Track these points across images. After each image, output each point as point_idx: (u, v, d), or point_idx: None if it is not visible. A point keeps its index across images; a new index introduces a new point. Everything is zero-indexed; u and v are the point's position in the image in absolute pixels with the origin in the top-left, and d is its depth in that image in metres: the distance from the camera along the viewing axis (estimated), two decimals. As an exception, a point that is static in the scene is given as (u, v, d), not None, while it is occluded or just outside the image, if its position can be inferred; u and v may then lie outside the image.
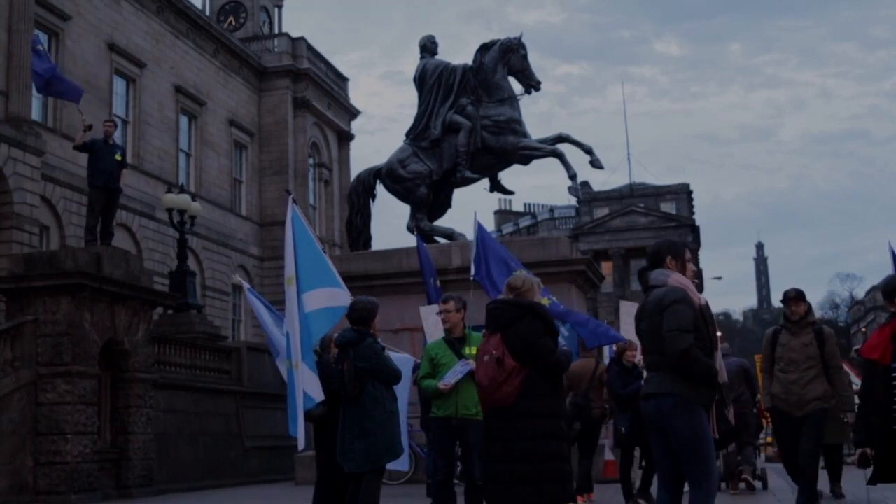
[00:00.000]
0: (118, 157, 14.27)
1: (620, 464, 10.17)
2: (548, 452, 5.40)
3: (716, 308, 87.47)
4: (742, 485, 11.97)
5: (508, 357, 5.44)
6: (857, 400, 7.94)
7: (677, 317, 5.02)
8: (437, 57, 17.10)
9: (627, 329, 14.14)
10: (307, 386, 7.32)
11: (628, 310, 14.47)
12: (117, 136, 26.31)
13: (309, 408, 7.33)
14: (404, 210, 16.54)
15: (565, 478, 5.46)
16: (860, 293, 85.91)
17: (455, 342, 7.39)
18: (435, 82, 16.61)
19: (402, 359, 9.70)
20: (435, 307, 9.99)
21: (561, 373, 5.64)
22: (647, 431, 5.64)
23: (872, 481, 5.06)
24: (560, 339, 6.00)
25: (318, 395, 7.34)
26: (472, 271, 9.73)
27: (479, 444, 6.73)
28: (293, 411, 7.38)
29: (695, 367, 4.97)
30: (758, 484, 11.81)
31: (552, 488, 5.39)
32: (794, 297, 8.11)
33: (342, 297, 7.70)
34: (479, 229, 11.28)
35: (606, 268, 51.57)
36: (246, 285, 10.18)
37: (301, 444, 7.46)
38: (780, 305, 8.80)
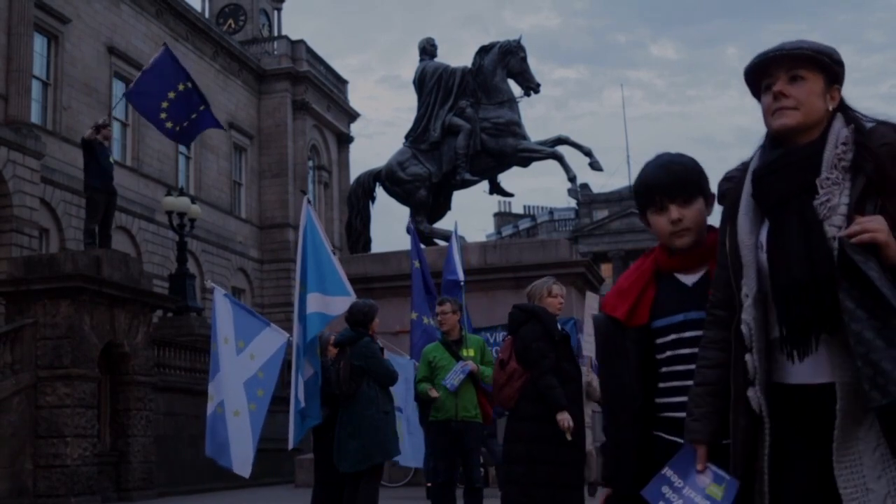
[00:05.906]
0: (111, 159, 14.36)
1: None
2: (549, 456, 5.41)
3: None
4: None
5: (513, 360, 5.46)
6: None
7: None
8: (436, 59, 17.10)
9: (590, 322, 14.14)
10: (300, 392, 7.34)
11: (591, 302, 14.47)
12: (117, 139, 26.46)
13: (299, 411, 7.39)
14: (404, 213, 16.54)
15: (574, 483, 5.51)
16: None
17: (452, 344, 7.39)
18: (434, 85, 16.58)
19: (403, 362, 9.68)
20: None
21: (550, 377, 5.64)
22: None
23: None
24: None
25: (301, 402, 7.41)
26: (461, 277, 9.77)
27: (478, 447, 6.73)
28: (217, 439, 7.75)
29: None
30: None
31: (566, 494, 5.41)
32: None
33: (335, 305, 7.62)
34: (454, 238, 11.20)
35: (606, 270, 51.46)
36: (220, 290, 8.90)
37: (291, 443, 7.48)
38: None
